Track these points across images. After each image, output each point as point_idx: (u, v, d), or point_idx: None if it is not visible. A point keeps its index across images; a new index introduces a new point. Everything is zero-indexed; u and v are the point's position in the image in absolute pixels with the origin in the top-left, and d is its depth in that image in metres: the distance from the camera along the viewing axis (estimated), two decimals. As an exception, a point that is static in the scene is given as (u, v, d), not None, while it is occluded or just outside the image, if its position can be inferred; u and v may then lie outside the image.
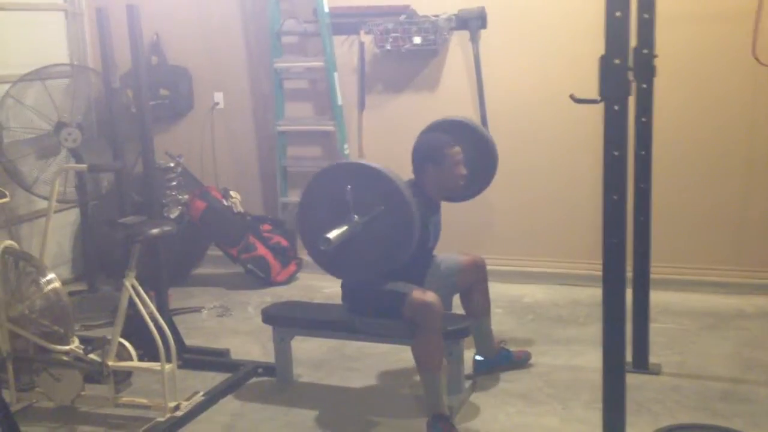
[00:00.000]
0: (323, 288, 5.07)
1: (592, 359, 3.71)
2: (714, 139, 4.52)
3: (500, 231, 5.02)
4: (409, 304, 2.94)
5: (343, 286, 3.21)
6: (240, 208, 5.15)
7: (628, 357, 3.58)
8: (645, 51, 3.24)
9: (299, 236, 3.06)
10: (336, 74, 5.10)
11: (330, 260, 2.96)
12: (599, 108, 5.09)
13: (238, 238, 5.08)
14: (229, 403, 3.38)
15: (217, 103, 5.54)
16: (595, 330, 4.09)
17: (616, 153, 2.40)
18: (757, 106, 4.41)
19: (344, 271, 3.03)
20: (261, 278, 5.09)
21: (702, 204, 4.60)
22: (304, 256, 5.34)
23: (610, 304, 2.52)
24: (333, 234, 2.80)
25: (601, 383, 3.36)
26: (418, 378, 3.54)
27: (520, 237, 5.01)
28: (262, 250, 5.10)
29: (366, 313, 3.14)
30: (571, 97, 2.57)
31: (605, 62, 2.38)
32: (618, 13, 2.33)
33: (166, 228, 3.29)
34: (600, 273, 4.87)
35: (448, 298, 3.31)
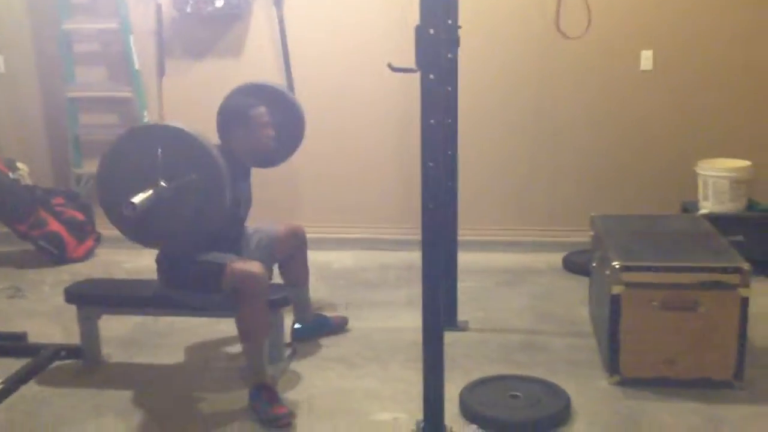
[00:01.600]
0: (123, 263, 4.84)
1: (406, 320, 3.84)
2: (513, 107, 4.78)
3: (306, 198, 5.03)
4: (230, 275, 2.87)
5: (158, 261, 3.07)
6: (28, 181, 4.77)
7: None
8: (449, 22, 3.35)
9: (99, 202, 2.86)
10: (132, 37, 4.84)
11: (136, 229, 2.81)
12: (403, 76, 5.21)
13: (27, 213, 4.71)
14: (31, 390, 3.13)
15: (-3, 67, 5.08)
16: (405, 292, 4.24)
17: (432, 121, 2.45)
18: (558, 76, 4.71)
19: (153, 240, 2.89)
20: (55, 255, 4.76)
21: (495, 168, 4.86)
22: (103, 230, 5.07)
23: (429, 267, 2.59)
24: (138, 198, 2.65)
25: (415, 342, 3.51)
26: (232, 349, 3.51)
27: (326, 204, 5.05)
28: (54, 225, 4.76)
29: (183, 287, 3.02)
30: (389, 66, 2.60)
31: (420, 32, 2.42)
32: (433, -16, 2.38)
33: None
34: (406, 237, 5.08)
35: (268, 268, 3.27)
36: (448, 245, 3.59)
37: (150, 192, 2.70)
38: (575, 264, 4.53)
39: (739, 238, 3.89)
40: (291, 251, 3.41)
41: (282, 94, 3.52)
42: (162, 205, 2.73)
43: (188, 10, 4.73)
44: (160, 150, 2.71)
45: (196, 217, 2.80)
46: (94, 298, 3.24)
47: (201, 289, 2.97)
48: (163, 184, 2.73)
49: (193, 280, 2.98)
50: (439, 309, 2.62)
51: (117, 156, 2.81)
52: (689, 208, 4.51)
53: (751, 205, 4.39)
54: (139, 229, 2.82)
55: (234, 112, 3.15)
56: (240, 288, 2.87)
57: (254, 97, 3.29)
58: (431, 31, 2.41)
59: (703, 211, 4.32)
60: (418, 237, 4.87)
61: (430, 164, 2.50)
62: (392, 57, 4.75)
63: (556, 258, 4.68)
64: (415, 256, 4.71)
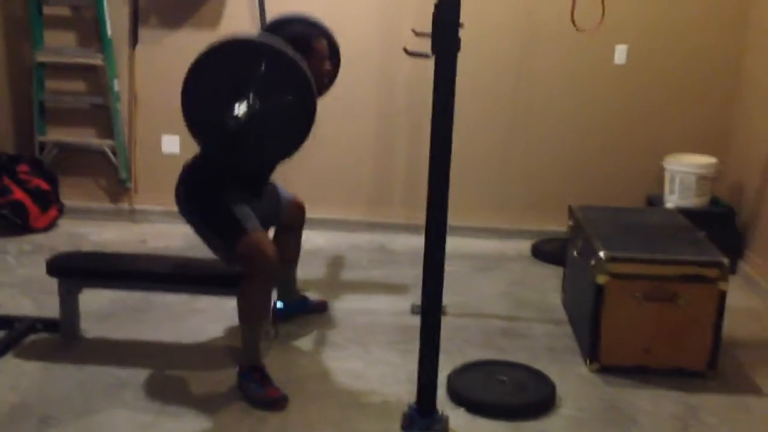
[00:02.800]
0: (88, 235, 4.75)
1: (383, 302, 3.88)
2: (489, 96, 4.81)
3: (276, 176, 4.97)
4: (246, 244, 2.81)
5: (184, 180, 2.98)
6: (-8, 147, 4.62)
7: (419, 300, 3.79)
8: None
9: (184, 113, 2.70)
10: (106, 3, 4.70)
11: (225, 143, 2.70)
12: (384, 60, 5.18)
13: (-9, 181, 4.56)
14: (9, 363, 3.06)
15: (-42, 26, 4.88)
16: (379, 274, 4.28)
17: (444, 107, 2.47)
18: (534, 68, 4.76)
19: (237, 157, 2.76)
20: (17, 225, 4.62)
21: (469, 157, 4.89)
22: (67, 200, 4.96)
23: (432, 254, 2.61)
24: (241, 110, 2.56)
25: (394, 325, 3.57)
26: (212, 328, 3.48)
27: (297, 182, 4.98)
28: (18, 193, 4.62)
29: (204, 221, 2.92)
30: (405, 50, 2.60)
31: (438, 18, 2.42)
32: (451, -31, 2.38)
33: None
34: (376, 219, 5.10)
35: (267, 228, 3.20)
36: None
37: (246, 105, 2.59)
38: (544, 252, 4.62)
39: (703, 233, 4.02)
40: (292, 224, 3.40)
41: (323, 28, 3.37)
42: (252, 121, 2.62)
43: (166, -22, 4.62)
44: (263, 65, 2.60)
45: (280, 138, 2.74)
46: (78, 271, 3.16)
47: (217, 235, 2.90)
48: (253, 99, 2.63)
49: (216, 222, 2.89)
50: (440, 295, 2.65)
51: (207, 67, 2.67)
52: (654, 201, 4.64)
53: (714, 201, 4.54)
54: (227, 144, 2.71)
55: (299, 41, 2.96)
56: (247, 262, 2.82)
57: (304, 25, 3.19)
58: (448, 17, 2.42)
59: (668, 205, 4.44)
60: (388, 219, 4.98)
61: (441, 149, 2.52)
62: (374, 40, 4.76)
63: (525, 246, 4.76)
64: (385, 239, 4.84)
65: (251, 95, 2.62)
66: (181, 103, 2.70)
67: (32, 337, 3.29)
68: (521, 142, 4.88)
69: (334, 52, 3.36)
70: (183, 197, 2.98)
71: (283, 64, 2.66)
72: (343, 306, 3.76)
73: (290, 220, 3.41)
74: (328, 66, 3.16)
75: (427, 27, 3.34)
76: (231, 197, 2.90)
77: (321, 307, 3.66)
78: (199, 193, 2.95)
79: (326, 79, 3.20)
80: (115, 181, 5.03)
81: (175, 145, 4.77)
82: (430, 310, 2.62)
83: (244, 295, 2.88)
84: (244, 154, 2.75)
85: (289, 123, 2.71)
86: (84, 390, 2.89)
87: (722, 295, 3.07)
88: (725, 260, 3.08)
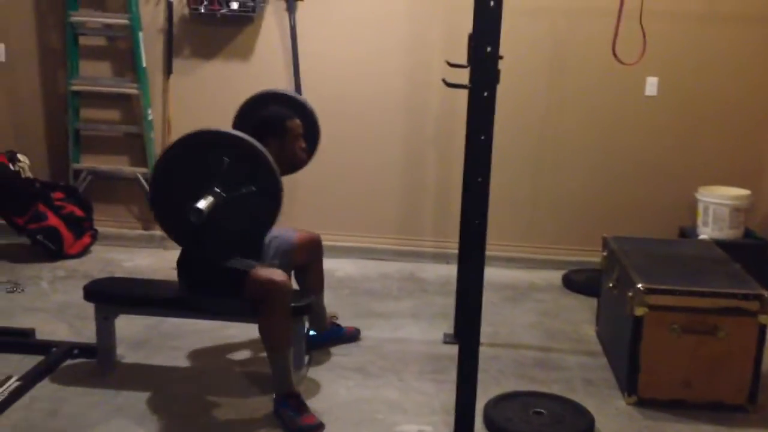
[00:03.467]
0: (122, 261, 4.78)
1: (414, 331, 3.87)
2: (519, 127, 4.81)
3: (307, 205, 5.00)
4: (253, 282, 2.84)
5: (180, 263, 3.04)
6: (28, 173, 4.67)
7: (450, 330, 3.79)
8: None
9: (151, 206, 2.82)
10: (141, 34, 4.78)
11: (190, 235, 2.78)
12: (414, 89, 5.20)
13: (27, 207, 4.61)
14: (47, 388, 3.07)
15: (-2, 56, 4.98)
16: (409, 303, 4.27)
17: (482, 137, 2.48)
18: (564, 98, 4.78)
19: (203, 248, 2.84)
20: (52, 250, 4.66)
21: (499, 187, 4.89)
22: (100, 227, 5.00)
23: (469, 283, 2.60)
24: (203, 204, 2.63)
25: (426, 354, 3.57)
26: (247, 354, 3.49)
27: (327, 211, 5.03)
28: (53, 220, 4.67)
29: (205, 291, 2.98)
30: (444, 81, 2.63)
31: (477, 50, 2.45)
32: (492, 3, 2.41)
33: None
34: (405, 247, 5.11)
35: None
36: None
37: (211, 199, 2.66)
38: (575, 282, 4.59)
39: (738, 265, 3.98)
40: (308, 259, 3.41)
41: (299, 102, 3.51)
42: (216, 213, 2.70)
43: (202, 10, 4.69)
44: (227, 159, 2.68)
45: (245, 228, 2.80)
46: (115, 297, 3.18)
47: (223, 294, 2.94)
48: (218, 190, 2.71)
49: (216, 285, 2.94)
50: (478, 326, 2.64)
51: (174, 160, 2.76)
52: (687, 233, 4.61)
53: (747, 234, 4.51)
54: (192, 236, 2.79)
55: (271, 123, 3.13)
56: (262, 296, 2.84)
57: (278, 105, 3.30)
58: (488, 49, 2.44)
59: (701, 236, 4.41)
60: (416, 248, 4.97)
61: (479, 179, 2.53)
62: (402, 71, 4.81)
63: (554, 276, 4.74)
64: (415, 267, 4.84)
65: (215, 188, 2.69)
66: (149, 198, 2.81)
67: (69, 362, 3.31)
68: (551, 172, 4.88)
69: (312, 126, 3.44)
70: (183, 277, 3.05)
71: (247, 154, 2.72)
72: (375, 335, 3.76)
73: (304, 256, 3.42)
74: (302, 144, 3.24)
75: (455, 57, 3.39)
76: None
77: (353, 336, 3.66)
78: (195, 267, 3.00)
79: (303, 154, 3.28)
80: (148, 209, 5.07)
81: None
82: (468, 340, 2.61)
83: (264, 325, 2.89)
84: (209, 244, 2.82)
85: (255, 211, 2.77)
86: (122, 415, 2.90)
87: (762, 329, 3.03)
88: (766, 293, 3.05)
